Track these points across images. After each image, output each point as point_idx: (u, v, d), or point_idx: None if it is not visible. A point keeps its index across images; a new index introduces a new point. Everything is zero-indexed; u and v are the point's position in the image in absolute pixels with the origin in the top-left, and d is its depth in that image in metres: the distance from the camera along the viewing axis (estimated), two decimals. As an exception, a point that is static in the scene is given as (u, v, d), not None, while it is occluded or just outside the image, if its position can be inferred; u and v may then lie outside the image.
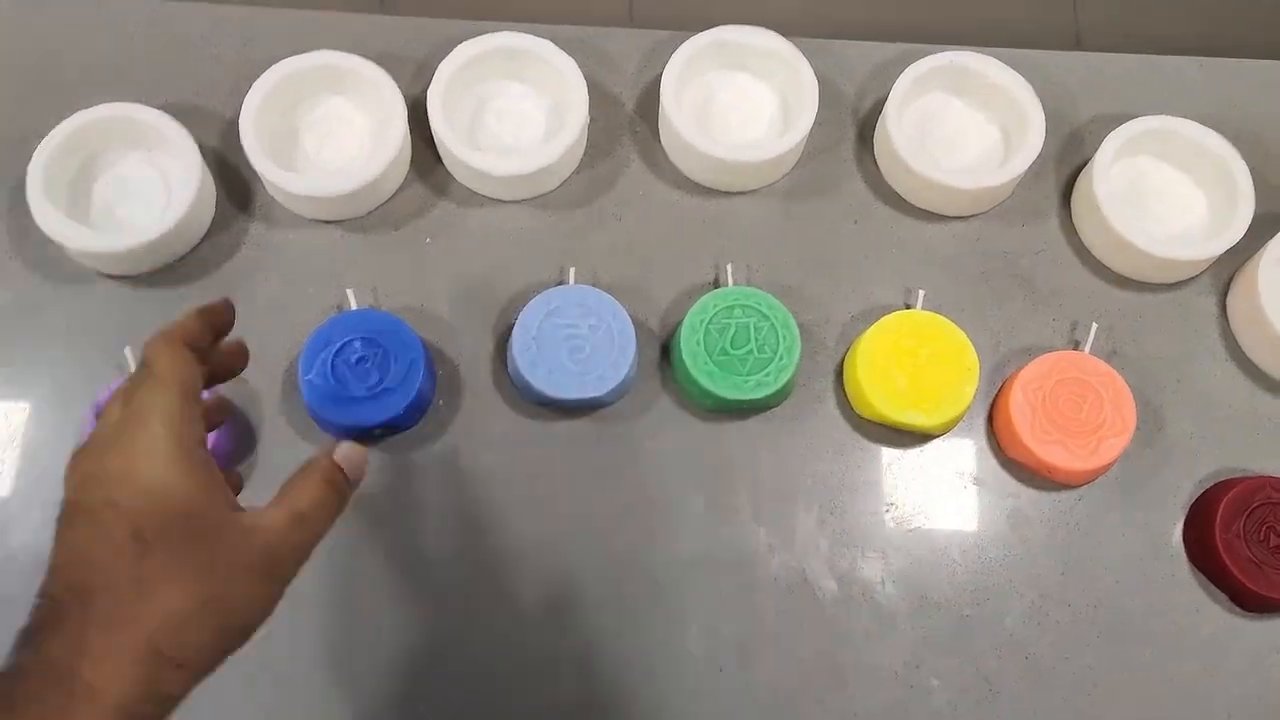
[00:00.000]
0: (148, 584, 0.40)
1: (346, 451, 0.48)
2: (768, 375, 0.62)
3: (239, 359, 0.51)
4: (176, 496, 0.42)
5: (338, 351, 0.61)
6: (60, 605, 0.39)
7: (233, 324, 0.49)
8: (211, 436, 0.59)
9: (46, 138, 0.65)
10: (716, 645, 0.60)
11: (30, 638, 0.39)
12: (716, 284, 0.67)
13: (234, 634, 0.42)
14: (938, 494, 0.64)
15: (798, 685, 0.60)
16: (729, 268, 0.66)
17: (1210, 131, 0.69)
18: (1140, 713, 0.60)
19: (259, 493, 0.62)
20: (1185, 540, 0.63)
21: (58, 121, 0.65)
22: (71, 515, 0.42)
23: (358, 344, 0.61)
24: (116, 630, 0.39)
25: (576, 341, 0.63)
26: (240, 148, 0.66)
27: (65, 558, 0.41)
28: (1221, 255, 0.68)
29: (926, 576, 0.62)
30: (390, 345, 0.61)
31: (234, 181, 0.68)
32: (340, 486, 0.47)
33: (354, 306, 0.63)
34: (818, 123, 0.69)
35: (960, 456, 0.65)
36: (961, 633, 0.61)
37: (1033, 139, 0.68)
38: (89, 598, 0.39)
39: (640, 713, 0.59)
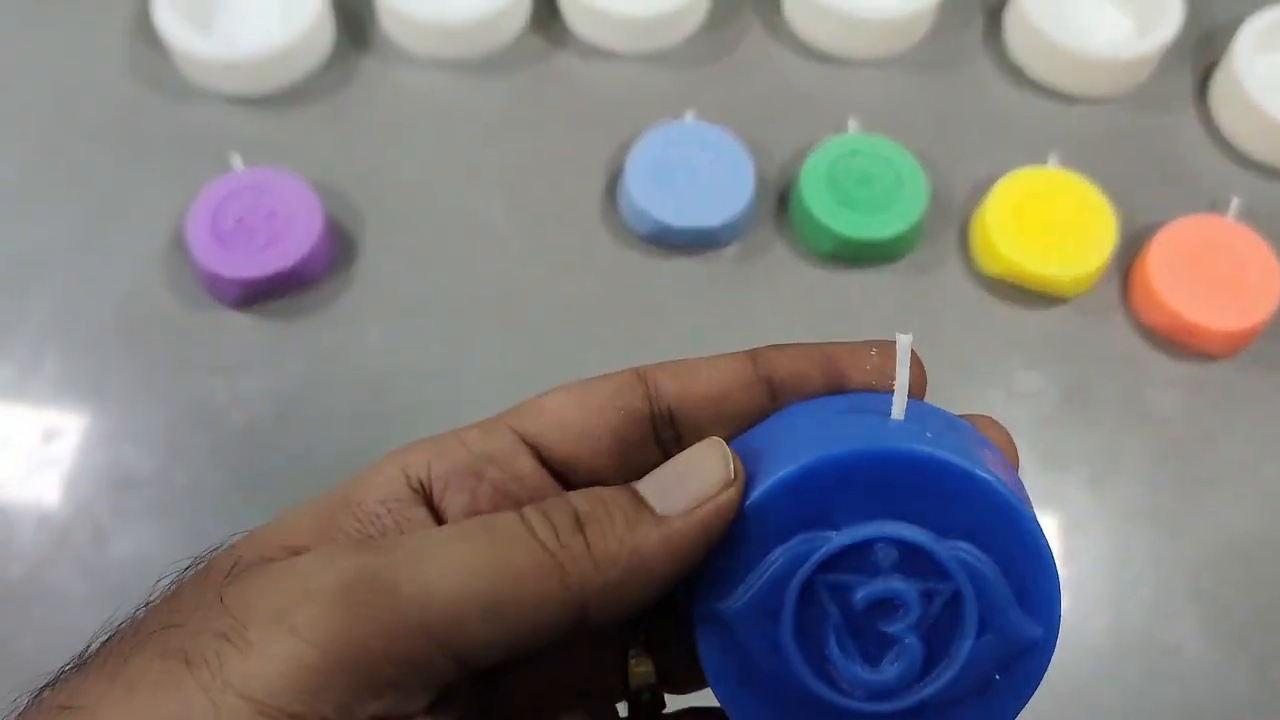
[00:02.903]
0: None
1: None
2: (891, 216, 0.60)
3: None
4: None
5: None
6: None
7: None
8: (308, 243, 0.57)
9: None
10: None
11: None
12: (838, 138, 0.65)
13: None
14: (1067, 356, 0.60)
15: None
16: (851, 121, 0.64)
17: (1358, 20, 0.66)
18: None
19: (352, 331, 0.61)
20: (1339, 417, 0.59)
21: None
22: None
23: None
24: None
25: (693, 173, 0.60)
26: (362, -11, 0.66)
27: None
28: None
29: (1052, 435, 0.58)
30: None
31: (354, 22, 0.68)
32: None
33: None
34: (946, 5, 0.67)
35: (1091, 320, 0.61)
36: (1094, 493, 0.57)
37: (1170, 18, 0.66)
38: None
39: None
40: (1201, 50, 0.70)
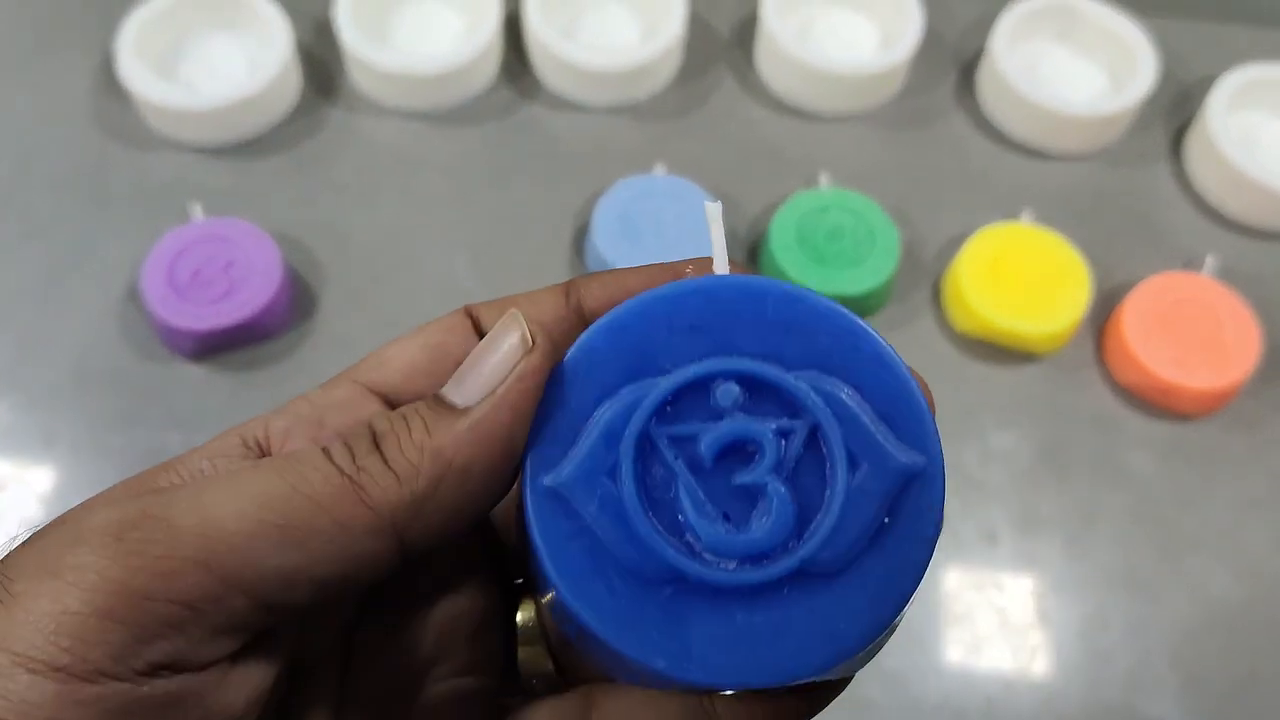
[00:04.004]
0: None
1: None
2: (863, 271, 0.59)
3: None
4: None
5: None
6: None
7: None
8: (266, 295, 0.56)
9: (141, 7, 0.64)
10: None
11: None
12: (810, 193, 0.64)
13: None
14: (1041, 415, 0.59)
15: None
16: (823, 175, 0.63)
17: (1331, 79, 0.66)
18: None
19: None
20: (1319, 479, 0.58)
21: None
22: None
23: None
24: None
25: (661, 226, 0.60)
26: (331, 41, 0.65)
27: None
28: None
29: (1027, 495, 0.56)
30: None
31: (321, 72, 0.67)
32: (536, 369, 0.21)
33: None
34: (918, 62, 0.67)
35: (1066, 378, 0.60)
36: (1070, 556, 0.55)
37: (1143, 76, 0.66)
38: None
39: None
40: (1176, 107, 0.69)
